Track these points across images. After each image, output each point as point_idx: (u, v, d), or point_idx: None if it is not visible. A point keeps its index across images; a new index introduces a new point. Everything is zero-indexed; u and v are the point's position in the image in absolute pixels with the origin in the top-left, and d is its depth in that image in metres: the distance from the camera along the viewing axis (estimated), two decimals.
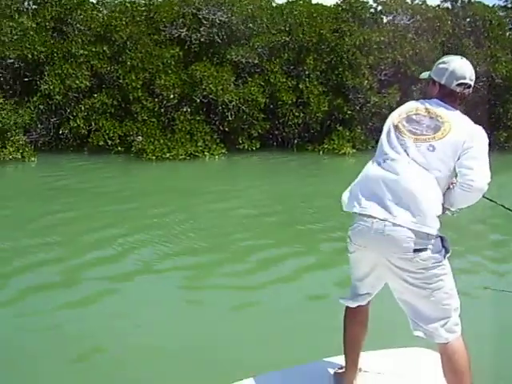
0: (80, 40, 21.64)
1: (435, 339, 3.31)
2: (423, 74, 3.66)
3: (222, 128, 22.55)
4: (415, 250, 3.15)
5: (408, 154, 3.26)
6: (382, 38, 23.85)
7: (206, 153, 21.24)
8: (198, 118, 21.90)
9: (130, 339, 6.10)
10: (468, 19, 25.69)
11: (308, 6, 24.94)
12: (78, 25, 22.03)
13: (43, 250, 9.50)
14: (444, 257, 3.26)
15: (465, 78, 3.39)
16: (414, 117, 3.38)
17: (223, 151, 21.70)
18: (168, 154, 20.24)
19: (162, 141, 20.64)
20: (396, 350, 4.25)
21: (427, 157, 3.24)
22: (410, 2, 26.74)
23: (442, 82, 3.41)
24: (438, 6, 27.00)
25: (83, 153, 21.30)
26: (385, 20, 26.11)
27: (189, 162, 20.35)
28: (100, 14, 22.76)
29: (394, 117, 3.48)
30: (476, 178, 3.16)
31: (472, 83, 3.43)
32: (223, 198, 14.30)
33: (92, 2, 23.41)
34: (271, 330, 6.29)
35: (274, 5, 25.08)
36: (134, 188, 15.81)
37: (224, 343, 5.97)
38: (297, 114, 23.07)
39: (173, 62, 21.94)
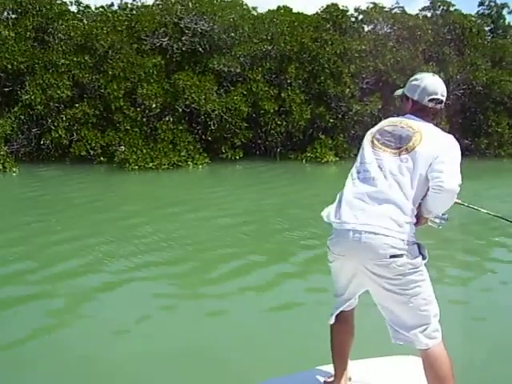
0: (61, 49, 21.54)
1: (416, 345, 3.33)
2: (397, 91, 3.78)
3: (204, 137, 22.54)
4: (391, 256, 3.19)
5: (382, 167, 3.35)
6: (364, 47, 23.99)
7: (189, 162, 21.20)
8: (181, 128, 21.86)
9: (110, 347, 6.07)
10: (447, 27, 25.90)
11: (289, 15, 25.04)
12: (59, 34, 21.94)
13: (16, 261, 9.40)
14: (421, 263, 3.30)
15: (436, 94, 3.50)
16: (387, 128, 3.50)
17: (206, 160, 21.67)
18: (151, 164, 20.19)
19: (144, 150, 20.57)
20: (386, 358, 4.22)
21: (401, 168, 3.32)
22: (389, 11, 26.97)
23: (415, 98, 3.53)
24: (417, 14, 27.21)
25: (65, 163, 21.15)
26: (366, 29, 26.28)
27: (172, 171, 20.27)
28: (81, 24, 22.64)
29: (370, 132, 3.60)
30: (446, 179, 3.22)
31: (443, 99, 3.54)
32: (202, 208, 14.24)
33: (73, 12, 23.32)
34: (250, 338, 6.27)
35: (255, 14, 25.10)
36: (114, 198, 15.73)
37: (198, 351, 5.94)
38: (279, 122, 23.11)
39: (155, 72, 21.88)
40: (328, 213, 3.44)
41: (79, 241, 10.63)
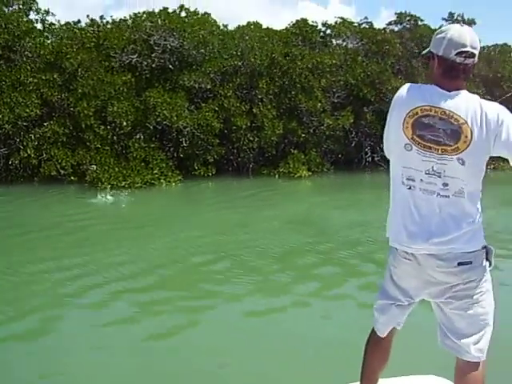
0: (29, 68, 21.13)
1: (462, 355, 3.19)
2: (424, 51, 3.27)
3: (176, 154, 22.30)
4: (459, 264, 3.06)
5: (437, 172, 3.03)
6: (334, 61, 24.09)
7: (162, 180, 20.92)
8: (153, 145, 21.62)
9: None
10: (415, 41, 26.13)
11: (259, 31, 24.99)
12: (26, 52, 21.52)
13: None
14: (486, 270, 3.17)
15: (465, 46, 3.00)
16: (423, 120, 3.02)
17: (179, 178, 21.41)
18: (124, 183, 19.87)
19: (116, 169, 20.26)
20: (410, 377, 4.15)
21: (458, 172, 3.01)
22: (358, 26, 27.13)
23: (440, 54, 3.06)
24: (385, 29, 27.41)
25: (33, 184, 20.68)
26: (334, 43, 26.39)
27: (145, 190, 19.97)
28: (48, 42, 22.30)
29: (401, 123, 3.08)
30: None
31: (475, 52, 3.04)
32: (173, 227, 14.02)
33: (39, 29, 22.92)
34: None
35: (225, 30, 25.00)
36: (82, 219, 15.32)
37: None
38: (251, 138, 23.00)
39: (125, 89, 21.63)
40: (391, 231, 3.29)
41: (35, 265, 10.31)
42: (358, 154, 25.35)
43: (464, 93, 3.06)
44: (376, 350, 3.47)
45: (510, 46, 30.68)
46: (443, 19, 30.40)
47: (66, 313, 8.03)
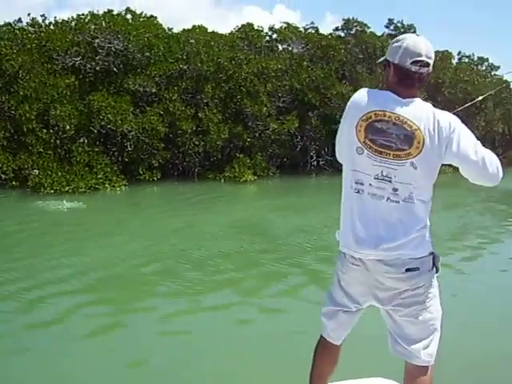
0: None
1: (413, 360, 3.23)
2: (381, 59, 3.27)
3: (121, 159, 22.06)
4: (407, 270, 3.07)
5: (387, 177, 3.04)
6: (279, 66, 24.22)
7: (106, 185, 20.64)
8: (97, 150, 21.34)
9: None
10: (360, 47, 26.49)
11: (204, 35, 24.92)
12: None
13: None
14: (434, 276, 3.20)
15: (420, 56, 3.03)
16: (376, 124, 3.03)
17: (124, 183, 21.19)
18: (67, 188, 19.49)
19: (59, 174, 19.89)
20: (359, 380, 4.18)
21: (410, 177, 3.02)
22: (303, 31, 27.35)
23: (396, 62, 3.07)
24: (331, 34, 27.69)
25: None
26: (280, 48, 26.54)
27: (89, 195, 19.67)
28: None
29: (355, 126, 3.09)
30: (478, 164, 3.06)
31: (430, 61, 3.07)
32: (112, 234, 13.75)
33: None
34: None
35: (170, 33, 24.82)
36: (18, 223, 15.01)
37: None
38: (197, 142, 22.96)
39: (68, 92, 21.28)
40: (340, 237, 3.27)
41: None
42: (304, 158, 25.58)
43: (418, 100, 3.09)
44: (325, 354, 3.48)
45: (450, 53, 31.44)
46: (385, 26, 31.05)
47: None
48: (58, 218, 16.24)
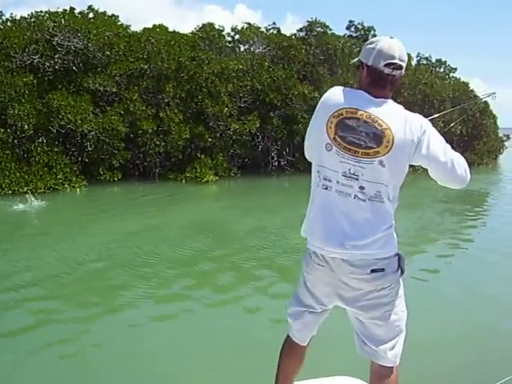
0: None
1: (379, 360, 3.27)
2: (354, 60, 3.33)
3: (81, 159, 21.81)
4: (372, 271, 3.10)
5: (354, 175, 3.06)
6: (241, 66, 24.22)
7: (66, 185, 20.39)
8: (56, 150, 21.05)
9: None
10: (321, 48, 26.60)
11: (165, 34, 24.75)
12: None
13: None
14: (399, 277, 3.22)
15: (393, 58, 3.07)
16: (347, 121, 3.05)
17: (84, 183, 20.95)
18: (26, 188, 19.23)
19: (18, 174, 19.61)
20: (325, 378, 4.21)
21: (378, 175, 3.05)
22: (265, 32, 27.38)
23: (369, 63, 3.11)
24: (295, 34, 27.75)
25: None
26: (242, 48, 26.55)
27: (49, 195, 19.38)
28: None
29: (325, 123, 3.11)
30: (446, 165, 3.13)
31: (403, 64, 3.12)
32: (66, 235, 13.51)
33: None
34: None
35: (130, 32, 24.60)
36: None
37: None
38: (158, 142, 22.83)
39: (26, 91, 20.90)
40: (305, 231, 3.29)
41: None
42: (265, 158, 25.61)
43: (390, 101, 3.12)
44: (291, 353, 3.50)
45: (409, 54, 31.76)
46: (346, 28, 31.32)
47: None
48: (13, 219, 16.00)
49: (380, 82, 3.11)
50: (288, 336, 3.51)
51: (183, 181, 22.99)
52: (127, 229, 14.22)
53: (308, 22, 27.66)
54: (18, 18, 23.70)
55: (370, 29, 29.43)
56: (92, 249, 11.79)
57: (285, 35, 27.34)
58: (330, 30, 27.61)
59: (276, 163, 25.63)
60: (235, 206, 18.03)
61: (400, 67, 3.11)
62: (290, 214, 15.04)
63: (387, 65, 3.07)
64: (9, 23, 23.56)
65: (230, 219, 15.88)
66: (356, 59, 3.26)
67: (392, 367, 3.29)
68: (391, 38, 3.15)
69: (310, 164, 3.27)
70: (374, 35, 29.60)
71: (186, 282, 9.62)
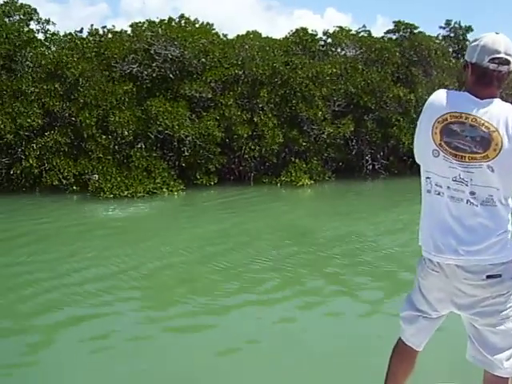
0: (30, 77, 21.17)
1: (494, 370, 3.14)
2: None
3: (178, 164, 22.31)
4: (488, 277, 2.98)
5: (464, 180, 2.95)
6: (334, 70, 24.13)
7: (164, 189, 20.89)
8: (154, 155, 21.64)
9: None
10: (413, 49, 26.18)
11: (259, 40, 25.07)
12: (27, 62, 21.56)
13: None
14: None
15: (499, 52, 2.91)
16: (452, 126, 2.95)
17: (181, 187, 21.39)
18: (126, 192, 19.84)
19: (119, 178, 20.24)
20: None
21: (488, 180, 2.92)
22: (356, 35, 27.22)
23: (473, 61, 2.97)
24: (383, 37, 27.49)
25: (35, 193, 20.62)
26: (334, 52, 26.45)
27: (147, 199, 19.91)
28: (49, 51, 22.30)
29: (430, 129, 3.02)
30: None
31: (510, 59, 2.94)
32: (168, 240, 13.94)
33: (40, 39, 22.93)
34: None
35: (225, 39, 25.05)
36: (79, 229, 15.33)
37: None
38: (252, 147, 23.03)
39: (126, 99, 21.64)
40: (422, 240, 3.19)
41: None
42: (359, 161, 25.38)
43: (497, 101, 2.97)
44: (403, 358, 3.41)
45: None
46: (440, 27, 30.68)
47: None
48: (116, 223, 16.56)
49: (485, 79, 2.97)
50: (400, 340, 3.42)
51: (278, 184, 23.07)
52: (224, 231, 14.51)
53: (394, 22, 27.37)
54: (118, 29, 24.62)
55: (468, 29, 28.62)
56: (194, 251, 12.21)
57: (376, 37, 27.09)
58: (416, 28, 27.04)
59: (370, 167, 25.34)
60: (331, 211, 18.00)
61: (507, 62, 2.94)
62: (385, 219, 14.99)
63: (492, 60, 2.92)
64: (110, 35, 24.46)
65: (326, 224, 15.80)
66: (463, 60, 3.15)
67: (507, 378, 3.15)
68: (497, 33, 3.00)
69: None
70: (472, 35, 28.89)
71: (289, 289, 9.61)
